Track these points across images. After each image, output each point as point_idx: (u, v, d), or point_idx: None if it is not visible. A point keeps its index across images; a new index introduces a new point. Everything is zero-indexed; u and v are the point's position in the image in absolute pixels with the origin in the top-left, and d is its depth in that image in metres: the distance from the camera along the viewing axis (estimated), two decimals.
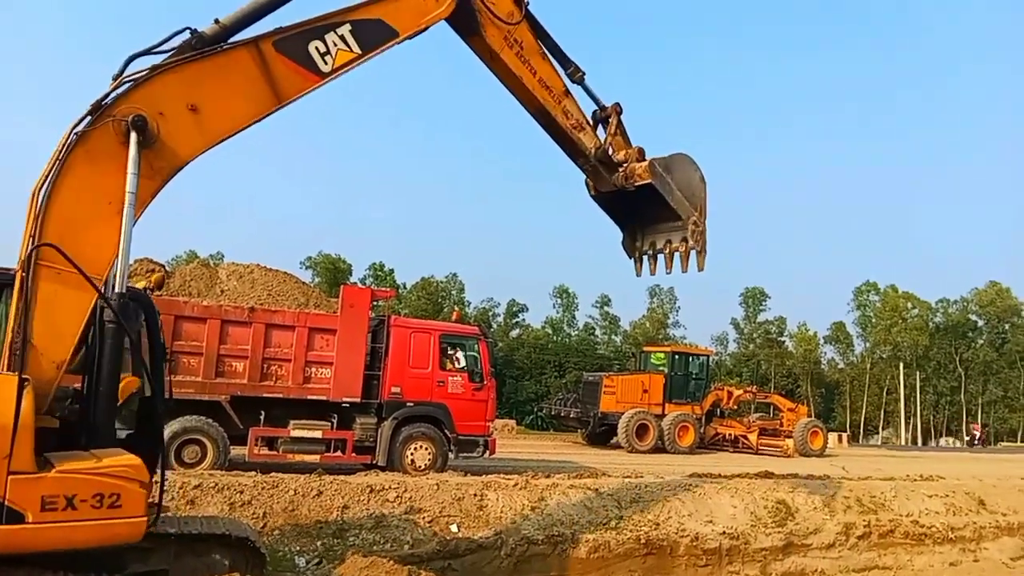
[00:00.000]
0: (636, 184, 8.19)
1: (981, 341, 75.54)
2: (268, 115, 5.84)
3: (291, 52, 5.83)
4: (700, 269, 8.61)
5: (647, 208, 8.52)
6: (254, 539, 6.49)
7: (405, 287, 63.50)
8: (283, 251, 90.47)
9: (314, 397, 13.55)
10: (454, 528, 9.82)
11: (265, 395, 13.17)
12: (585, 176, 8.66)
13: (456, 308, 38.52)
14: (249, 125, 5.75)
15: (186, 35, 5.50)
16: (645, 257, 9.01)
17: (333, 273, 58.55)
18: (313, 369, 13.59)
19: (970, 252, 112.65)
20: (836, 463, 21.59)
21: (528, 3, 7.50)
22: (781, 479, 13.66)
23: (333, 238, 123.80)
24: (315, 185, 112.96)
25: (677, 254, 8.68)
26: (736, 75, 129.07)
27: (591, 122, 8.28)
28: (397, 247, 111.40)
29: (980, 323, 76.68)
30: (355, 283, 52.91)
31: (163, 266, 15.44)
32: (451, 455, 14.51)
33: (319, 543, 8.84)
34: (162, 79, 5.27)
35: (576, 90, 8.22)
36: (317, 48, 5.93)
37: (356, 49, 6.14)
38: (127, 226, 4.94)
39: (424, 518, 9.85)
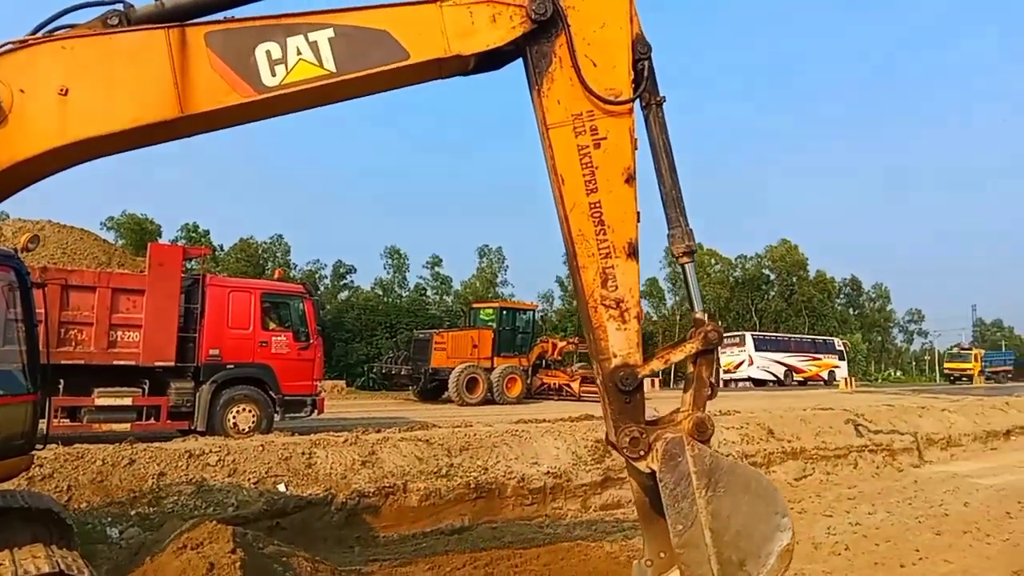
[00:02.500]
0: (645, 465, 4.48)
1: (773, 293, 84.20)
2: (165, 132, 4.22)
3: (224, 50, 4.08)
4: None
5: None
6: (58, 510, 6.05)
7: (222, 249, 60.07)
8: (78, 212, 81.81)
9: (121, 363, 12.66)
10: (281, 487, 9.63)
11: (63, 362, 12.04)
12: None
13: (279, 268, 37.08)
14: (130, 136, 4.16)
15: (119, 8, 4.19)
16: None
17: (139, 234, 53.88)
18: (119, 333, 12.68)
19: (766, 211, 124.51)
20: (649, 404, 23.29)
21: (662, 99, 4.67)
22: (600, 420, 14.54)
23: (137, 199, 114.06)
24: None
25: None
26: None
27: (639, 319, 4.66)
28: (209, 210, 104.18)
29: (772, 277, 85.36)
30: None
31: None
32: (277, 416, 14.13)
33: (133, 512, 8.35)
34: (37, 49, 4.03)
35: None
36: (268, 52, 4.10)
37: (328, 66, 4.13)
38: None
39: (249, 480, 9.58)
